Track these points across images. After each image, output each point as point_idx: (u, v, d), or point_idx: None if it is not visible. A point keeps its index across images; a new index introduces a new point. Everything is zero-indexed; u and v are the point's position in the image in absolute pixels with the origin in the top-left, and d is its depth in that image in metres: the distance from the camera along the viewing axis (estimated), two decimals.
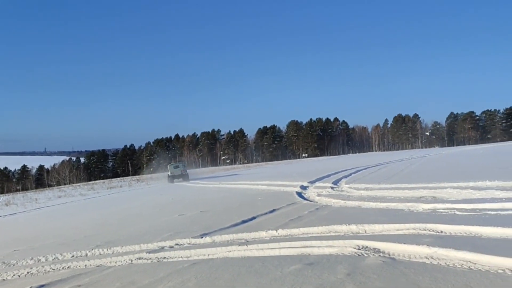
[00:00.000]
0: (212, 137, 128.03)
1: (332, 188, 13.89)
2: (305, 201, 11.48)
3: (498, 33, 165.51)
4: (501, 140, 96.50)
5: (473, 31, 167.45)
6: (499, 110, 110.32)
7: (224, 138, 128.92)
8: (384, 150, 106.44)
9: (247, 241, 7.12)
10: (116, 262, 6.87)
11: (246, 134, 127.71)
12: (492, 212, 7.10)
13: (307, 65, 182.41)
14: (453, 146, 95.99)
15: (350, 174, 19.11)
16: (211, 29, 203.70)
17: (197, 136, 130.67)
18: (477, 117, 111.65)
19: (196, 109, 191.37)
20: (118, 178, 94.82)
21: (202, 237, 7.86)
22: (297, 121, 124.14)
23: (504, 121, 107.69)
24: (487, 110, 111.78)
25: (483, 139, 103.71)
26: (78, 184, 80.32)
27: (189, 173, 40.19)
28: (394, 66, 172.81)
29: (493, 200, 8.20)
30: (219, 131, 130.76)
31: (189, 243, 7.63)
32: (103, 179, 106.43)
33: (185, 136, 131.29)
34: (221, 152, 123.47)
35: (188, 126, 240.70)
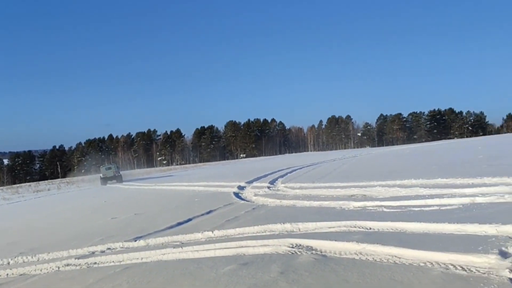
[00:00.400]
0: (148, 137, 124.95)
1: (268, 187, 14.07)
2: (242, 201, 11.53)
3: (423, 37, 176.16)
4: (426, 141, 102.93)
5: (399, 34, 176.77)
6: (424, 112, 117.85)
7: (160, 138, 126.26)
8: (319, 150, 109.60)
9: (182, 243, 7.02)
10: (41, 270, 6.49)
11: (183, 134, 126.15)
12: (416, 209, 7.53)
13: (244, 65, 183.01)
14: (383, 146, 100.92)
15: (286, 174, 19.47)
16: (142, 23, 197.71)
17: (132, 137, 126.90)
18: (405, 119, 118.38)
19: (131, 109, 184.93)
20: (46, 181, 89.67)
21: (135, 241, 7.64)
22: (235, 121, 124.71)
23: (428, 123, 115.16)
24: (413, 112, 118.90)
25: (409, 140, 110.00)
26: (1, 187, 75.21)
27: (123, 175, 38.98)
28: (327, 69, 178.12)
29: (417, 197, 8.71)
30: (155, 131, 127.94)
31: (121, 247, 7.39)
32: (29, 182, 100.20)
33: (119, 137, 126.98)
34: (157, 153, 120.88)
35: (123, 126, 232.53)
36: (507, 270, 3.88)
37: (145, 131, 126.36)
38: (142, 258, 6.40)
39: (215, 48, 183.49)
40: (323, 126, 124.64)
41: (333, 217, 7.49)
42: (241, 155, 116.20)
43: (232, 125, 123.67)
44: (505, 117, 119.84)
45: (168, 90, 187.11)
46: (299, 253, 5.34)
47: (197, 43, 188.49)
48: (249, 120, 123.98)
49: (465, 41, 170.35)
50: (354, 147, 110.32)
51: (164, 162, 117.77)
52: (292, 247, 5.68)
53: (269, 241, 6.16)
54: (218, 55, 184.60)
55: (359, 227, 6.52)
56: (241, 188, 15.16)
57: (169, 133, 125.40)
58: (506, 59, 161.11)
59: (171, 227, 8.65)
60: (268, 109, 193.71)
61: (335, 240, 5.64)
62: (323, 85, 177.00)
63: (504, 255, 4.28)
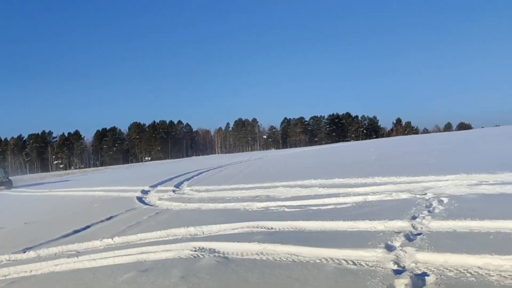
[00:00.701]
0: (42, 139, 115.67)
1: (173, 191, 13.82)
2: (146, 206, 11.18)
3: (319, 44, 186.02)
4: (326, 143, 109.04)
5: (297, 43, 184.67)
6: (324, 116, 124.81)
7: (57, 141, 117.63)
8: (226, 153, 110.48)
9: (78, 252, 6.60)
10: None
11: (82, 136, 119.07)
12: (315, 208, 7.91)
13: (148, 66, 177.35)
14: (287, 148, 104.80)
15: (193, 177, 19.30)
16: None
17: (24, 139, 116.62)
18: (306, 122, 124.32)
19: (22, 109, 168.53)
20: None
21: (24, 252, 7.02)
22: (139, 123, 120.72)
23: (328, 126, 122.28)
24: (315, 116, 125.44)
25: (311, 142, 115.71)
26: None
27: (12, 180, 35.66)
28: (233, 72, 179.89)
29: (316, 196, 9.17)
30: (50, 133, 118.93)
31: (8, 260, 6.74)
32: None
33: (8, 139, 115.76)
34: (54, 157, 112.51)
35: (12, 128, 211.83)
36: (392, 262, 4.24)
37: (39, 133, 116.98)
38: (31, 271, 5.90)
39: (114, 46, 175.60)
40: (230, 129, 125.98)
41: (237, 218, 7.57)
42: (146, 158, 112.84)
43: (137, 127, 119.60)
44: (394, 121, 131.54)
45: (63, 88, 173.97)
46: (201, 256, 5.31)
47: (95, 38, 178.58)
48: (154, 122, 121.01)
49: (357, 51, 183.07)
50: (260, 149, 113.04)
51: (61, 166, 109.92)
52: (195, 251, 5.62)
53: (172, 246, 6.04)
54: (120, 53, 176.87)
55: (261, 228, 6.67)
56: (144, 192, 14.70)
57: (66, 134, 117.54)
58: (396, 68, 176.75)
59: (67, 235, 8.08)
60: (175, 111, 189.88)
61: (238, 242, 5.70)
62: (230, 88, 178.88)
63: (389, 248, 4.66)
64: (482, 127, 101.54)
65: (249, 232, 6.42)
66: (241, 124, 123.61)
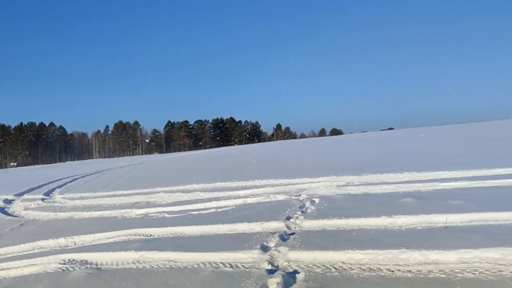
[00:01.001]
0: None
1: (43, 200, 12.64)
2: (8, 217, 10.04)
3: (193, 47, 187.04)
4: (210, 147, 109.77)
5: (175, 44, 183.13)
6: (208, 121, 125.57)
7: None
8: (105, 157, 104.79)
9: None
10: None
11: None
12: (196, 212, 7.90)
13: (13, 62, 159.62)
14: (171, 152, 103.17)
15: (66, 183, 17.88)
16: None
17: None
18: (191, 126, 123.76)
19: None
20: None
21: None
22: (3, 124, 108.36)
23: (212, 130, 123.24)
24: (199, 120, 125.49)
25: (196, 146, 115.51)
26: None
27: None
28: (113, 73, 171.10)
29: (197, 201, 9.16)
30: None
31: None
32: None
33: None
34: None
35: None
36: (266, 262, 4.41)
37: None
38: None
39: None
40: (110, 132, 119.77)
41: (114, 226, 7.21)
42: (12, 164, 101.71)
43: (0, 129, 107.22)
44: (275, 126, 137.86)
45: None
46: (71, 269, 4.93)
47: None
48: (21, 123, 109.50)
49: (235, 59, 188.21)
50: (142, 154, 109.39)
51: None
52: (64, 264, 5.21)
53: (37, 260, 5.51)
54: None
55: (139, 235, 6.45)
56: (8, 202, 13.18)
57: None
58: (272, 77, 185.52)
59: None
60: (46, 112, 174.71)
61: (113, 251, 5.43)
62: (110, 89, 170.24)
63: (265, 249, 4.85)
64: (351, 133, 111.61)
65: (126, 241, 6.16)
66: (121, 127, 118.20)
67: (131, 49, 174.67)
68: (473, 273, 3.66)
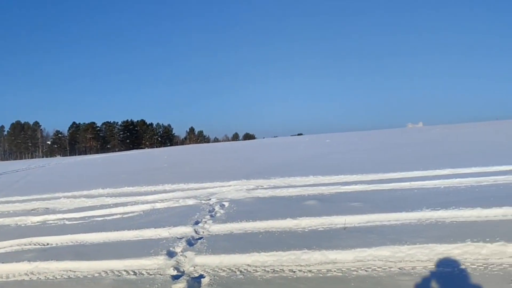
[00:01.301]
0: None
1: None
2: None
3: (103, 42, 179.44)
4: (119, 150, 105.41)
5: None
6: (117, 122, 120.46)
7: None
8: (0, 160, 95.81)
9: None
10: None
11: None
12: (100, 218, 7.54)
13: None
14: (75, 155, 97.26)
15: None
16: None
17: None
18: (98, 128, 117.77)
19: None
20: None
21: None
22: None
23: (121, 133, 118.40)
24: (107, 122, 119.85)
25: (103, 149, 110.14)
26: None
27: None
28: (7, 69, 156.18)
29: (102, 206, 8.75)
30: None
31: None
32: None
33: None
34: None
35: None
36: (172, 268, 4.34)
37: None
38: None
39: None
40: (6, 133, 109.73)
41: (6, 236, 6.64)
42: None
43: None
44: (188, 130, 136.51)
45: None
46: None
47: None
48: None
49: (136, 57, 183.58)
50: (43, 157, 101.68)
51: None
52: None
53: None
54: None
55: (35, 244, 6.01)
56: None
57: None
58: (186, 78, 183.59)
59: None
60: None
61: (3, 263, 4.98)
62: (7, 86, 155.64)
63: (171, 255, 4.77)
64: (264, 138, 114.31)
65: (19, 251, 5.70)
66: (19, 127, 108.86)
67: (31, 42, 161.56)
68: (366, 271, 3.94)
